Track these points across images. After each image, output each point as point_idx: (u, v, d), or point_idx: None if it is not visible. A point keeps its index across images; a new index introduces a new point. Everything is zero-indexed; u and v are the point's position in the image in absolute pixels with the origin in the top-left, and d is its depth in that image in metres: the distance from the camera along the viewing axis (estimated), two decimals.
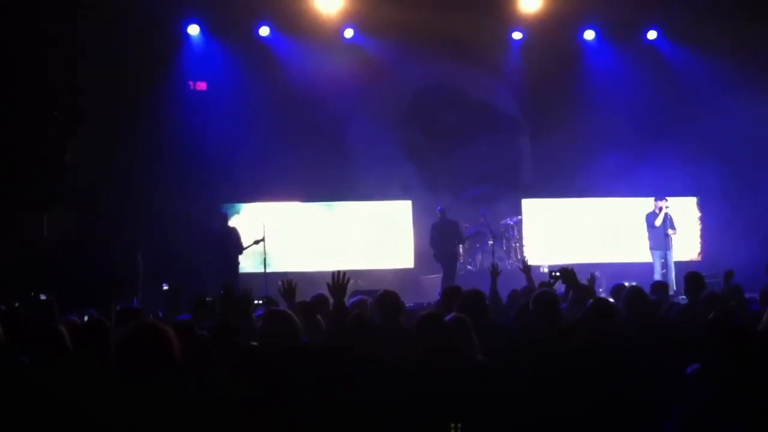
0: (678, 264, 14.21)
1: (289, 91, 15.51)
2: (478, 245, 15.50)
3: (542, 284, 7.39)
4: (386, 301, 6.12)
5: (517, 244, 15.98)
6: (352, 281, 6.36)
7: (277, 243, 14.89)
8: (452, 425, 4.34)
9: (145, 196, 14.35)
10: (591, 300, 5.72)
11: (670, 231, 14.20)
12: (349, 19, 15.35)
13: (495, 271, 7.98)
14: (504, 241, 15.89)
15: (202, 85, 15.62)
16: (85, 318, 6.58)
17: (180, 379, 3.67)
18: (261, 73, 15.48)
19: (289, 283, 6.33)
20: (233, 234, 13.79)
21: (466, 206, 15.48)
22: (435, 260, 14.29)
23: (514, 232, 16.04)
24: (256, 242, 13.70)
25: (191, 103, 15.25)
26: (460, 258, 15.03)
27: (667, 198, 14.42)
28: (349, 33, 15.66)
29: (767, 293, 6.89)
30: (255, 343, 5.02)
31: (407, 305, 8.67)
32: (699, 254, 16.32)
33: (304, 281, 9.07)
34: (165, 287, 12.61)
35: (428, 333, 4.78)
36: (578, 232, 16.29)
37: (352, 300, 7.17)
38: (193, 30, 15.41)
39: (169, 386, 3.61)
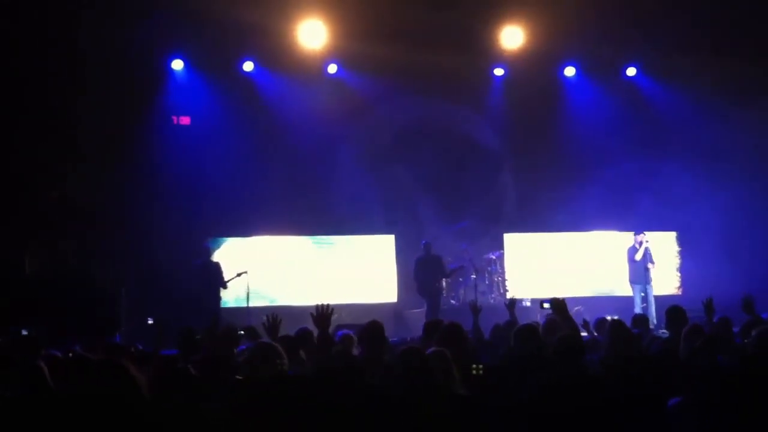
0: (658, 298, 14.31)
1: (273, 126, 15.60)
2: (460, 279, 15.52)
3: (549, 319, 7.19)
4: (372, 331, 6.18)
5: (500, 279, 16.03)
6: (336, 315, 6.38)
7: (260, 277, 14.86)
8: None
9: (129, 231, 14.31)
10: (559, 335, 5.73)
11: (649, 265, 14.38)
12: (332, 55, 15.47)
13: (475, 309, 8.07)
14: (486, 276, 15.93)
15: (185, 120, 15.65)
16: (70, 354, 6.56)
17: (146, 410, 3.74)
18: (245, 108, 15.56)
19: (274, 318, 6.34)
20: (216, 268, 13.76)
21: (448, 241, 15.52)
22: (418, 294, 14.32)
23: (496, 266, 16.09)
24: (239, 275, 13.67)
25: (175, 138, 15.26)
26: (444, 292, 15.04)
27: (645, 233, 14.58)
28: (332, 69, 15.79)
29: (748, 327, 6.96)
30: (240, 377, 5.03)
31: (390, 339, 8.71)
32: (679, 288, 16.42)
33: (287, 315, 9.07)
34: (150, 321, 12.56)
35: (410, 367, 4.81)
36: (560, 266, 16.37)
37: (337, 335, 7.20)
38: (177, 65, 15.47)
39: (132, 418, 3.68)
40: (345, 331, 7.46)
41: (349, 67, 15.74)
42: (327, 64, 15.73)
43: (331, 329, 6.30)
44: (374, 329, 6.21)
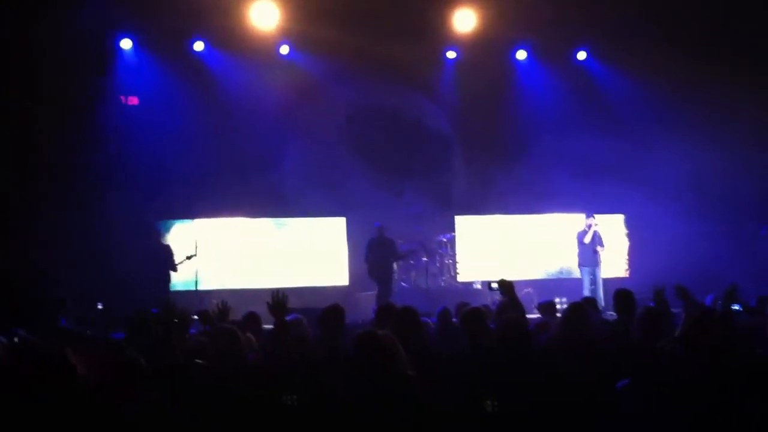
0: (606, 281, 14.50)
1: (224, 106, 15.42)
2: (412, 262, 15.56)
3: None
4: (332, 314, 6.18)
5: (450, 261, 16.10)
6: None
7: (209, 260, 14.74)
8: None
9: (76, 213, 14.05)
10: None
11: (598, 248, 14.55)
12: (284, 36, 15.33)
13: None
14: (438, 258, 16.00)
15: (134, 100, 15.41)
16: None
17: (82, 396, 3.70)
18: (195, 88, 15.32)
19: (224, 304, 6.29)
20: (166, 251, 13.59)
21: (400, 223, 15.54)
22: (369, 277, 14.31)
23: (447, 249, 16.15)
24: (189, 258, 13.52)
25: (123, 119, 15.03)
26: (395, 275, 15.07)
27: (595, 215, 14.75)
28: (284, 50, 15.65)
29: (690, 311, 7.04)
30: (200, 361, 4.99)
31: None
32: (627, 271, 16.64)
33: (236, 299, 9.03)
34: (99, 306, 12.39)
35: (366, 350, 4.81)
36: (510, 249, 16.49)
37: (287, 318, 7.14)
38: (126, 44, 15.22)
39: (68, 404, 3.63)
40: (294, 315, 7.41)
41: (301, 49, 15.60)
42: (279, 46, 15.59)
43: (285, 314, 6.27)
44: (335, 312, 6.22)
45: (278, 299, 5.78)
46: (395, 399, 4.59)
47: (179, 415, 4.23)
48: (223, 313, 6.31)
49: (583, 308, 6.45)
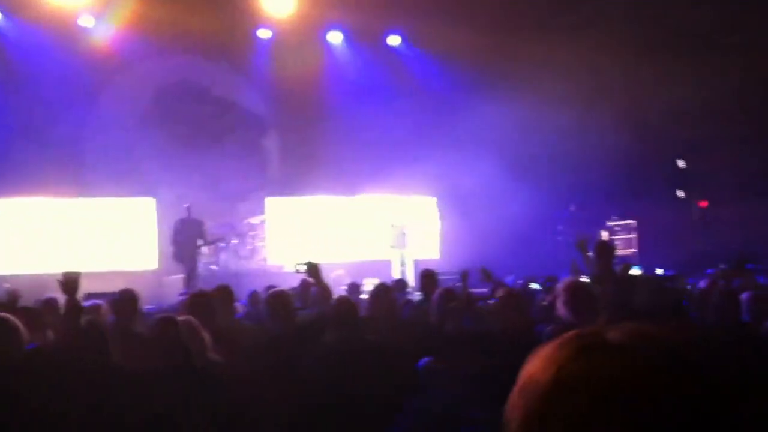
0: (418, 262, 14.74)
1: (22, 80, 14.55)
2: (222, 245, 15.25)
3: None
4: (123, 299, 5.94)
5: (261, 244, 15.94)
6: (87, 281, 6.04)
7: (5, 243, 13.85)
8: None
9: None
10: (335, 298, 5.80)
11: (408, 230, 14.77)
12: (88, 9, 14.60)
13: None
14: (248, 241, 15.78)
15: None
16: None
17: None
18: None
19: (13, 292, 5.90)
20: None
21: (211, 204, 15.19)
22: (174, 259, 13.87)
23: (257, 231, 15.97)
24: None
25: None
26: (202, 258, 14.73)
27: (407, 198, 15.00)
28: (87, 21, 14.87)
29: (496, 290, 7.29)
30: None
31: (148, 308, 8.42)
32: (438, 252, 17.01)
33: (33, 284, 8.52)
34: None
35: (163, 336, 4.66)
36: (322, 231, 16.49)
37: (85, 304, 6.79)
38: None
39: None
40: (94, 300, 7.06)
41: (106, 22, 14.88)
42: (81, 17, 14.81)
43: (81, 297, 5.96)
44: (126, 297, 5.97)
45: (69, 276, 5.44)
46: (196, 384, 4.47)
47: None
48: (11, 300, 5.90)
49: (386, 288, 6.55)
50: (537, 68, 14.90)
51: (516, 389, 1.11)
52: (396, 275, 13.77)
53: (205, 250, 14.52)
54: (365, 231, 16.49)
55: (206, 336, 4.91)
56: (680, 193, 16.89)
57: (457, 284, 9.08)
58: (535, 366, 1.10)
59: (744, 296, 5.75)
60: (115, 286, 10.54)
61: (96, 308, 6.67)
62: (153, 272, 15.17)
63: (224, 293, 6.41)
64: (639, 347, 1.06)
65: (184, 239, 13.70)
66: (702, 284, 7.79)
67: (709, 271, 8.72)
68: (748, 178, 15.08)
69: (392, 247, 14.90)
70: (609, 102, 14.98)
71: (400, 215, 14.86)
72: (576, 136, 15.30)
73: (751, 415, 1.05)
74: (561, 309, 5.09)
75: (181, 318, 5.03)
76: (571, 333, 1.13)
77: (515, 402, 1.10)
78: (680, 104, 14.62)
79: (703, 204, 16.75)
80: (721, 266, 8.49)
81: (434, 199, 17.11)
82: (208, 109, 15.71)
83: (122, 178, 14.80)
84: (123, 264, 15.05)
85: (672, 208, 16.42)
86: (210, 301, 5.87)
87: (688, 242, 15.62)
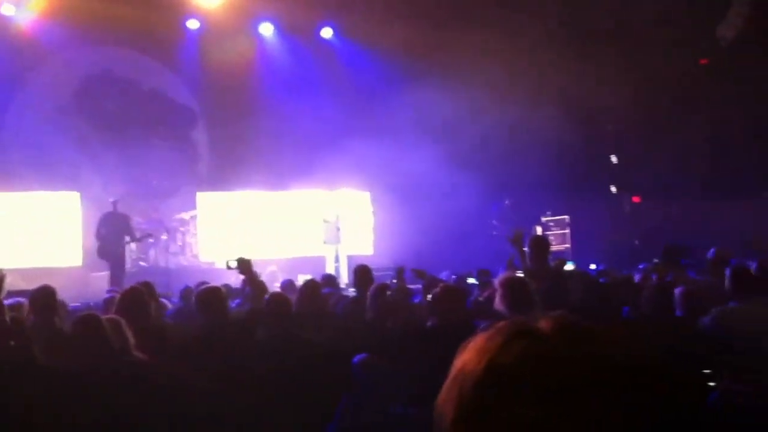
0: (352, 258, 14.62)
1: None
2: (151, 240, 14.89)
3: None
4: (41, 297, 5.73)
5: (193, 240, 15.63)
6: (9, 278, 5.81)
7: None
8: None
9: None
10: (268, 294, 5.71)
11: (342, 225, 14.62)
12: None
13: None
14: (178, 236, 15.47)
15: None
16: None
17: None
18: None
19: None
20: None
21: (139, 199, 14.82)
22: (98, 256, 13.45)
23: (188, 226, 15.66)
24: None
25: None
26: (133, 254, 14.36)
27: (339, 191, 14.87)
28: (8, 10, 14.35)
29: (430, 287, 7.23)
30: None
31: (72, 305, 8.19)
32: (372, 248, 16.88)
33: None
34: None
35: (86, 334, 4.61)
36: (254, 227, 16.19)
37: (6, 302, 6.52)
38: None
39: None
40: (16, 299, 6.78)
41: (27, 10, 14.38)
42: (3, 6, 14.29)
43: (3, 296, 5.77)
44: (44, 295, 5.76)
45: None
46: (118, 382, 4.41)
47: None
48: None
49: (315, 284, 6.52)
50: (471, 61, 14.87)
51: (449, 379, 1.13)
52: (330, 271, 13.64)
53: (132, 246, 14.17)
54: (299, 226, 16.24)
55: (131, 334, 4.80)
56: (613, 189, 17.08)
57: (393, 280, 9.06)
58: (468, 356, 1.13)
59: (677, 291, 5.77)
60: (38, 284, 10.24)
61: (18, 306, 6.42)
62: (79, 269, 14.70)
63: (147, 290, 6.23)
64: (568, 337, 1.10)
65: (110, 235, 13.29)
66: (636, 279, 7.86)
67: (642, 266, 8.79)
68: (680, 174, 15.28)
69: (325, 242, 14.73)
70: (544, 96, 15.03)
71: (333, 210, 14.67)
72: (510, 131, 15.32)
73: (676, 405, 1.07)
74: (499, 304, 5.07)
75: (106, 316, 4.87)
76: (502, 323, 1.15)
77: (448, 392, 1.12)
78: (614, 99, 14.76)
79: (636, 199, 16.97)
80: (655, 260, 8.57)
81: (368, 194, 16.99)
82: (136, 101, 15.34)
83: (45, 171, 14.32)
84: (46, 260, 14.54)
85: (605, 204, 16.60)
86: (141, 298, 5.70)
87: (621, 237, 15.80)
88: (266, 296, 5.85)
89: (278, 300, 5.54)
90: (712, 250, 8.05)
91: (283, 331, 5.23)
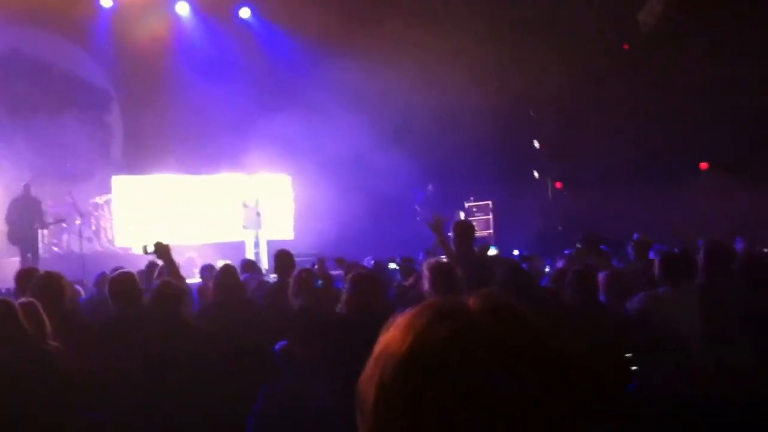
0: (272, 243, 14.38)
1: None
2: (64, 225, 14.43)
3: None
4: None
5: (108, 224, 15.20)
6: None
7: None
8: None
9: None
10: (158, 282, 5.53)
11: (261, 209, 14.39)
12: None
13: None
14: (93, 221, 15.04)
15: None
16: None
17: None
18: None
19: None
20: None
21: (51, 183, 14.32)
22: (9, 241, 12.98)
23: (103, 211, 15.22)
24: None
25: None
26: (45, 239, 13.88)
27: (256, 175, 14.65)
28: None
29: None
30: None
31: None
32: (292, 233, 16.66)
33: None
34: None
35: None
36: (172, 211, 15.82)
37: None
38: None
39: None
40: None
41: None
42: None
43: None
44: None
45: None
46: (33, 370, 4.30)
47: None
48: None
49: (231, 269, 6.41)
50: (392, 45, 14.73)
51: (371, 360, 1.10)
52: (250, 257, 13.40)
53: (45, 231, 13.70)
54: (218, 211, 15.92)
55: (47, 320, 4.61)
56: (536, 174, 17.22)
57: (315, 266, 8.93)
58: (392, 335, 1.10)
59: (600, 276, 5.77)
60: None
61: None
62: None
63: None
64: (497, 314, 1.08)
65: (20, 219, 12.83)
66: (559, 264, 7.88)
67: (566, 251, 8.85)
68: (603, 160, 15.42)
69: (245, 227, 14.47)
70: (468, 81, 14.98)
71: (253, 194, 14.40)
72: (433, 115, 15.28)
73: (598, 389, 1.07)
74: (426, 288, 5.02)
75: (20, 301, 4.72)
76: (427, 301, 1.12)
77: (371, 372, 1.09)
78: (537, 85, 14.83)
79: (558, 185, 17.13)
80: (578, 246, 8.63)
81: (288, 177, 16.77)
82: (46, 83, 14.80)
83: None
84: None
85: (528, 190, 16.71)
86: (58, 284, 5.46)
87: (544, 223, 15.92)
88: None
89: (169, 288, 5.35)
90: (635, 235, 8.15)
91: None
